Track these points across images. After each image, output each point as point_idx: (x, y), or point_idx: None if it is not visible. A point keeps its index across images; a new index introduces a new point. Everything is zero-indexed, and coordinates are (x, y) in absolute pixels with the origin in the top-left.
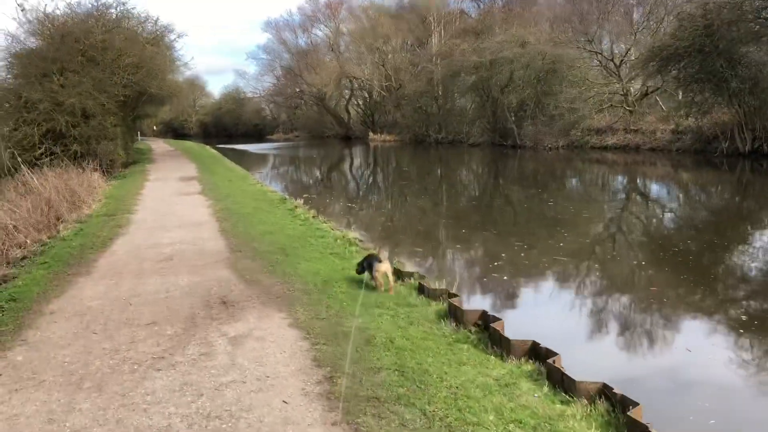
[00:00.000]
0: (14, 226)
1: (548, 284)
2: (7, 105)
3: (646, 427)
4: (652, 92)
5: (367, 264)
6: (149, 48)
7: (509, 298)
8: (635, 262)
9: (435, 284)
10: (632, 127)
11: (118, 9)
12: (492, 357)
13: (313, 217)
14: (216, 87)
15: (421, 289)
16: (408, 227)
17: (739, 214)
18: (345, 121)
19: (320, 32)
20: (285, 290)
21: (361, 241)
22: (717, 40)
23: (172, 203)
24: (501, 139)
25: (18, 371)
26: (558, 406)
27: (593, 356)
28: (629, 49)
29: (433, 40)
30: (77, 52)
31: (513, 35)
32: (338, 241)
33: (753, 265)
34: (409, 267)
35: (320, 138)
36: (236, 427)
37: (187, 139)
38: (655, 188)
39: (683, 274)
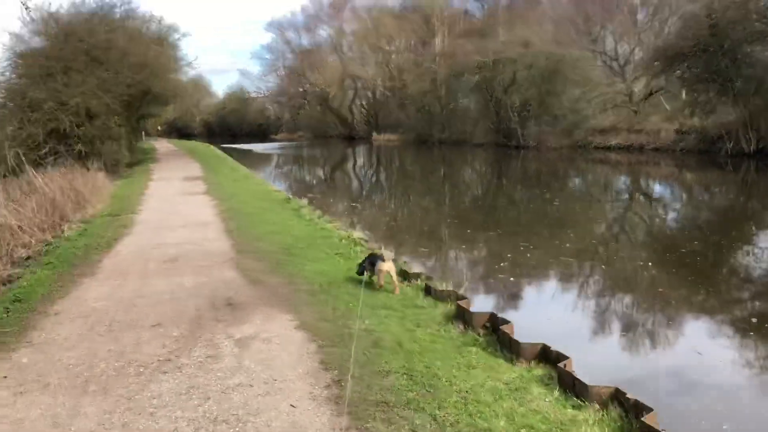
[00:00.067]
0: (19, 226)
1: (554, 285)
2: (12, 104)
3: None
4: (656, 92)
5: (369, 263)
6: (153, 47)
7: (515, 299)
8: (641, 263)
9: (441, 285)
10: (636, 128)
11: (122, 8)
12: (501, 360)
13: (319, 217)
14: (220, 87)
15: (428, 291)
16: (412, 227)
17: (744, 215)
18: (348, 121)
19: (324, 32)
20: (291, 291)
21: (366, 241)
22: (722, 39)
23: (177, 203)
24: (504, 139)
25: (23, 373)
26: (570, 410)
27: (601, 358)
28: (633, 49)
29: (436, 40)
30: (81, 51)
31: (517, 35)
32: (343, 241)
33: (760, 266)
34: (414, 267)
35: (324, 138)
36: None
37: (191, 139)
38: (659, 188)
39: (690, 275)
